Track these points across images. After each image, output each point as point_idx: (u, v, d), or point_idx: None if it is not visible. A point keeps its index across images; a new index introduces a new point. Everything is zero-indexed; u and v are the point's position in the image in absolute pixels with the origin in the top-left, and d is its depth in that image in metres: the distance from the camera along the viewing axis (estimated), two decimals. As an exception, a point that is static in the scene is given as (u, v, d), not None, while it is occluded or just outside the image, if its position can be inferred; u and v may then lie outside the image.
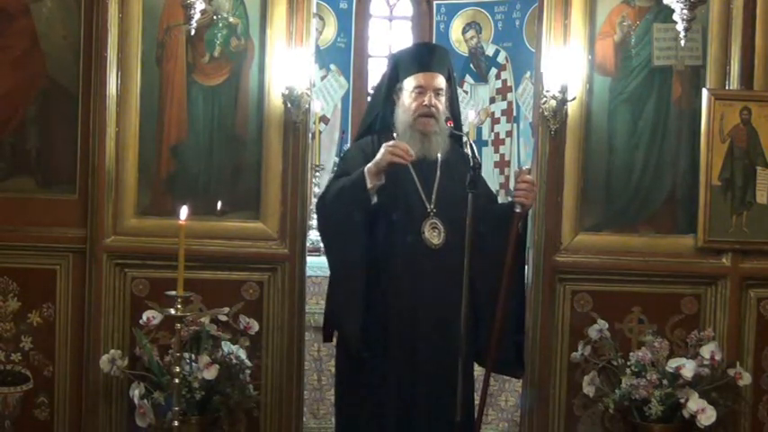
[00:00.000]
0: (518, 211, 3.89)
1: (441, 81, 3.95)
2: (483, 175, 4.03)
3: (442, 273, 3.86)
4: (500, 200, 7.17)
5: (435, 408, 3.86)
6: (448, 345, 3.82)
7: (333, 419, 5.54)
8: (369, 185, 3.76)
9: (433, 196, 3.92)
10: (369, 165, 3.77)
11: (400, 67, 4.03)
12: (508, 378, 5.28)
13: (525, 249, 4.14)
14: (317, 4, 5.51)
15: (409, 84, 3.95)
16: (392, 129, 4.01)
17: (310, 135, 4.71)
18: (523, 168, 4.07)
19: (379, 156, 3.76)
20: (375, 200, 3.79)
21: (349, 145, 7.22)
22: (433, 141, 3.93)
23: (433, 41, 7.69)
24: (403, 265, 3.88)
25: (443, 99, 3.96)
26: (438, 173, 3.95)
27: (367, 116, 4.21)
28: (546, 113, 4.33)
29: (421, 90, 3.92)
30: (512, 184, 7.32)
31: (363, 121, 4.23)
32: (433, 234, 3.89)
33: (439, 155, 3.92)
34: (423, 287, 3.87)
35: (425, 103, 3.90)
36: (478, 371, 4.14)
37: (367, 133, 4.10)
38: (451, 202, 3.89)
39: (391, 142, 3.78)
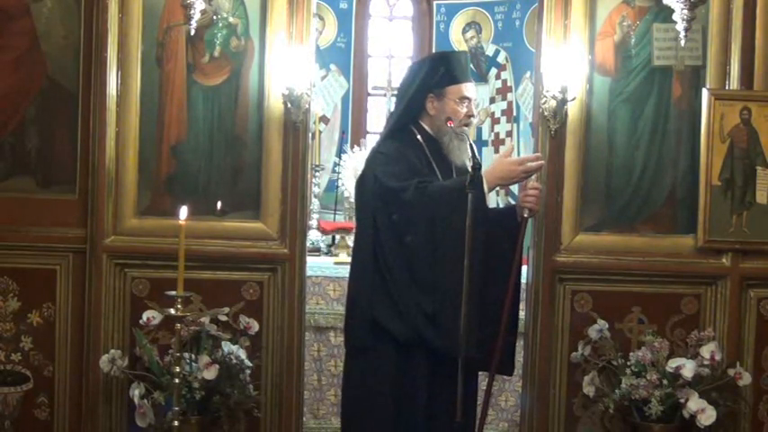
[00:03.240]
0: (525, 215, 3.95)
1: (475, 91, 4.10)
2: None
3: None
4: (500, 200, 7.18)
5: (450, 407, 3.86)
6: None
7: (333, 420, 5.58)
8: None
9: None
10: (492, 178, 3.86)
11: (443, 73, 4.01)
12: (508, 378, 5.28)
13: (522, 250, 4.15)
14: (317, 4, 5.52)
15: (455, 92, 3.98)
16: (414, 132, 4.01)
17: (310, 135, 4.72)
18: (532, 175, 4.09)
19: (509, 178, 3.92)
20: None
21: (349, 143, 7.26)
22: (467, 147, 3.97)
23: (433, 41, 7.69)
24: None
25: None
26: (454, 175, 4.00)
27: (401, 117, 4.10)
28: (546, 113, 4.33)
29: (467, 100, 3.99)
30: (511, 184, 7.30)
31: (394, 123, 4.11)
32: None
33: (469, 155, 3.96)
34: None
35: (471, 113, 4.00)
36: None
37: (392, 135, 4.05)
38: None
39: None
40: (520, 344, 4.45)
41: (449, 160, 4.00)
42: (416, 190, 3.79)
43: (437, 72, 4.02)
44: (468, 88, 4.02)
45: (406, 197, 3.80)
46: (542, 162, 4.01)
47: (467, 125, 4.01)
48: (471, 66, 7.52)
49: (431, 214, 3.79)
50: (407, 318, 3.82)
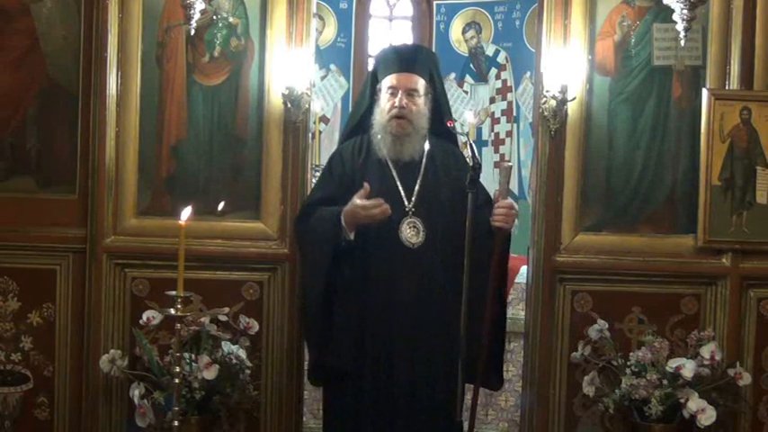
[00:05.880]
0: (496, 231, 3.89)
1: (415, 81, 3.96)
2: (482, 176, 4.02)
3: (419, 272, 3.87)
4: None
5: (415, 409, 3.86)
6: (424, 345, 3.82)
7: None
8: (347, 237, 3.84)
9: (414, 196, 3.93)
10: (346, 215, 3.81)
11: (379, 67, 4.07)
12: (508, 378, 5.28)
13: (507, 264, 4.16)
14: (317, 4, 5.51)
15: (384, 84, 3.99)
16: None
17: (310, 135, 4.72)
18: (505, 164, 3.95)
19: (354, 217, 3.81)
20: (352, 237, 3.85)
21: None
22: (405, 143, 3.95)
23: (433, 41, 7.70)
24: (378, 263, 3.89)
25: (420, 100, 3.97)
26: (421, 172, 3.97)
27: (351, 117, 4.26)
28: (546, 113, 4.32)
29: (393, 91, 3.95)
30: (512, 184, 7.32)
31: (348, 123, 4.28)
32: (411, 233, 3.90)
33: (425, 154, 3.93)
34: (398, 286, 3.88)
35: (396, 104, 3.92)
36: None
37: (353, 133, 4.12)
38: (434, 202, 3.90)
39: (362, 204, 3.78)
40: (519, 344, 4.45)
41: (401, 159, 3.97)
42: (300, 215, 4.11)
43: (375, 69, 4.09)
44: (395, 78, 3.95)
45: (297, 221, 4.16)
46: (384, 210, 3.80)
47: (399, 117, 3.90)
48: (473, 65, 7.63)
49: (303, 244, 4.12)
50: None
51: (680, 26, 4.17)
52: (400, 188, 3.95)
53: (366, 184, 3.81)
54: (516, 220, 4.04)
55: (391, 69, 3.98)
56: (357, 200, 3.79)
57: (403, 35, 8.01)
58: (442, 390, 3.85)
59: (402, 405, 3.86)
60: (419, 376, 3.86)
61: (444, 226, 3.82)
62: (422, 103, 3.97)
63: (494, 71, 7.64)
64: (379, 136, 3.96)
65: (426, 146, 3.98)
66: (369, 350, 3.90)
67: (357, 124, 4.11)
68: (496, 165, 7.57)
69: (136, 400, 4.16)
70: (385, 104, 3.95)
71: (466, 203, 3.78)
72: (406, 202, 3.92)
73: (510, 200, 3.91)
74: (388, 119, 3.93)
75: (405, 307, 3.87)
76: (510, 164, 3.92)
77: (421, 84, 3.97)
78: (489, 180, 7.35)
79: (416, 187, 3.95)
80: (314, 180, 6.48)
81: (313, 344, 4.09)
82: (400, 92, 3.92)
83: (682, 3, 4.13)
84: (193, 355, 4.15)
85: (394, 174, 3.95)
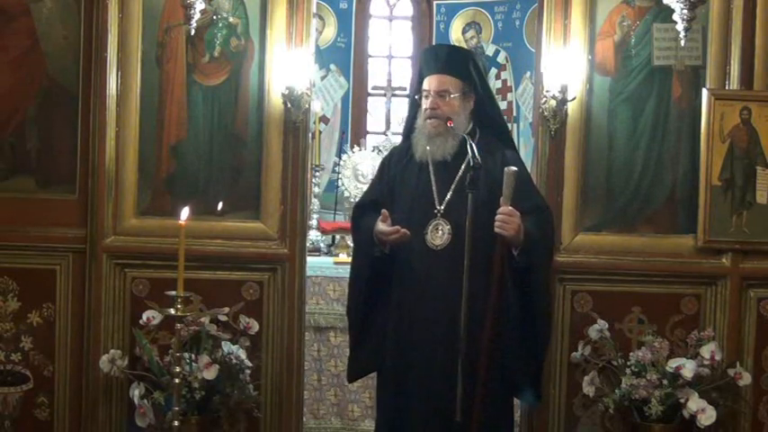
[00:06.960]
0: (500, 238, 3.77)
1: (446, 82, 3.93)
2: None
3: (443, 274, 3.85)
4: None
5: (434, 411, 3.85)
6: (447, 346, 3.81)
7: (333, 420, 5.66)
8: (384, 249, 3.92)
9: (447, 198, 3.91)
10: (376, 234, 3.89)
11: (421, 71, 4.08)
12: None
13: (534, 273, 3.91)
14: (317, 4, 5.51)
15: (422, 88, 3.99)
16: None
17: (310, 135, 4.72)
18: (508, 170, 3.87)
19: (382, 237, 3.89)
20: (387, 250, 3.92)
21: (349, 143, 7.27)
22: (437, 143, 3.93)
23: (433, 42, 7.68)
24: (404, 265, 3.90)
25: (455, 100, 3.93)
26: (459, 173, 3.93)
27: (406, 120, 4.23)
28: (546, 113, 4.33)
29: (426, 94, 3.96)
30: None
31: (404, 124, 4.26)
32: (436, 235, 3.89)
33: (469, 155, 3.78)
34: (422, 287, 3.87)
35: (426, 106, 3.94)
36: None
37: (408, 136, 4.12)
38: (468, 203, 3.83)
39: (379, 230, 3.88)
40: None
41: (445, 159, 3.95)
42: (352, 218, 4.20)
43: (420, 74, 4.08)
44: (427, 81, 3.96)
45: (351, 220, 4.27)
46: (401, 235, 3.83)
47: (431, 118, 3.89)
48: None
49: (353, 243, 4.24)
50: None
51: (680, 26, 4.17)
52: (434, 190, 3.93)
53: (384, 210, 3.87)
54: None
55: (425, 72, 4.00)
56: (379, 224, 3.87)
57: (403, 35, 8.00)
58: (460, 391, 3.79)
59: (422, 406, 3.86)
60: (439, 379, 3.84)
61: (477, 227, 3.77)
62: (456, 104, 3.93)
63: (494, 71, 7.62)
64: (417, 138, 3.98)
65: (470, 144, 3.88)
66: (392, 349, 3.93)
67: (411, 127, 4.10)
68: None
69: (136, 400, 4.16)
70: (422, 107, 3.97)
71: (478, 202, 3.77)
72: (436, 204, 3.90)
73: (510, 207, 3.80)
74: (423, 120, 3.95)
75: (428, 308, 3.86)
76: (514, 169, 3.81)
77: (454, 84, 3.93)
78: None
79: (451, 188, 3.93)
80: (314, 180, 6.57)
81: (351, 342, 4.19)
82: (431, 94, 3.93)
83: (682, 3, 4.13)
84: (193, 355, 4.15)
85: (431, 175, 3.94)
